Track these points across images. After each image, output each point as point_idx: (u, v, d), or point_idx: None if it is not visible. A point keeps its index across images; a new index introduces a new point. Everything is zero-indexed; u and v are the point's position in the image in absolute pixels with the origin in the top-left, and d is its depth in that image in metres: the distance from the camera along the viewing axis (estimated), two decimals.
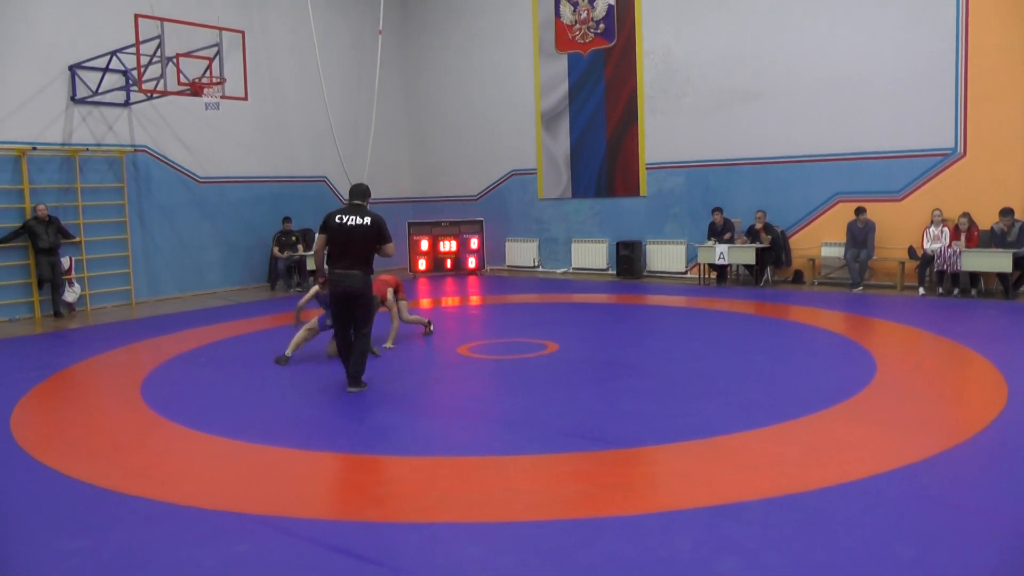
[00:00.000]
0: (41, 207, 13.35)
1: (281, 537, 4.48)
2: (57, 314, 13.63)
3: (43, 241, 13.27)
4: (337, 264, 7.54)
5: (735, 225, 14.98)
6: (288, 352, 9.22)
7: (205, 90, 13.24)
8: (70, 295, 13.93)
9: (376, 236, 7.57)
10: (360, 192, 7.78)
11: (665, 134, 16.24)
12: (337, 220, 7.53)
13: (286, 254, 16.30)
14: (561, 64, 17.62)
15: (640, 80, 16.43)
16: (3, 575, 4.19)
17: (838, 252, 14.15)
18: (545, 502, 4.81)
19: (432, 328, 10.69)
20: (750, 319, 11.35)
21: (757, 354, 8.94)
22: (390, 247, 7.69)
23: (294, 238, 16.56)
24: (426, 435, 6.37)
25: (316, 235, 7.66)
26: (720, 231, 14.94)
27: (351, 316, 7.65)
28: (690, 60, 15.75)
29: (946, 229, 12.81)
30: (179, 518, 4.83)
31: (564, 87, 17.61)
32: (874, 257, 13.61)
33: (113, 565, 4.26)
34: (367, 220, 7.53)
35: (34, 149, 13.62)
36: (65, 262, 13.83)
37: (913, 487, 4.85)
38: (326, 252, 7.65)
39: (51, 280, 13.52)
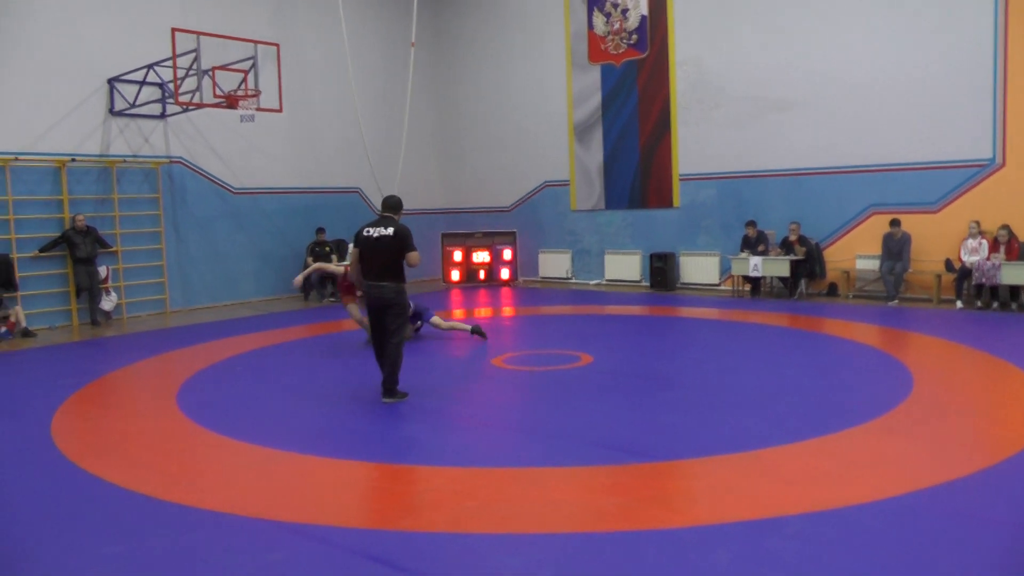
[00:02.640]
0: (79, 217, 13.57)
1: (317, 546, 4.48)
2: (94, 322, 13.81)
3: (81, 251, 13.48)
4: (369, 276, 7.68)
5: (769, 237, 14.87)
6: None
7: (240, 102, 13.38)
8: (107, 304, 14.14)
9: (400, 247, 7.61)
10: (391, 204, 7.86)
11: (698, 145, 16.19)
12: (365, 233, 7.68)
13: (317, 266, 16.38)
14: (594, 75, 17.62)
15: (672, 91, 16.40)
16: None
17: (873, 264, 13.99)
18: (582, 514, 4.78)
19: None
20: (785, 332, 11.24)
21: (792, 367, 8.85)
22: (413, 257, 7.70)
23: (327, 248, 16.68)
24: (461, 446, 6.36)
25: (350, 248, 7.74)
26: (754, 243, 14.83)
27: (384, 325, 7.75)
28: (722, 70, 15.69)
29: (984, 241, 12.62)
30: (215, 525, 4.85)
31: (597, 98, 17.61)
32: (910, 270, 13.44)
33: (151, 571, 4.28)
34: (390, 231, 7.61)
35: (73, 160, 13.85)
36: (102, 271, 14.05)
37: (953, 505, 4.75)
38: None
39: (89, 289, 13.73)
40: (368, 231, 7.67)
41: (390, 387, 7.74)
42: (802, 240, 14.37)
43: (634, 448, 5.98)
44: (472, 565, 4.19)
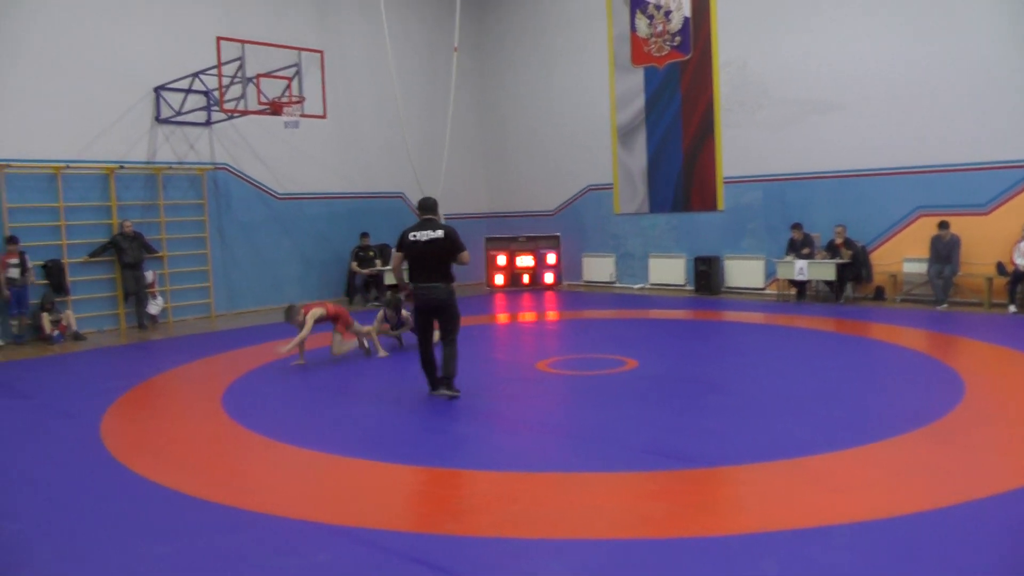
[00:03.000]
0: (127, 223, 13.82)
1: (361, 548, 4.49)
2: (141, 326, 14.04)
3: (128, 256, 13.72)
4: (419, 279, 7.74)
5: (814, 240, 14.67)
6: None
7: (284, 109, 13.51)
8: (154, 308, 14.37)
9: (451, 247, 7.74)
10: (430, 206, 7.95)
11: (741, 147, 16.02)
12: (411, 237, 7.71)
13: (367, 270, 16.56)
14: (637, 78, 17.54)
15: (716, 93, 16.26)
16: None
17: (921, 268, 13.72)
18: (627, 520, 4.74)
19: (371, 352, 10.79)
20: (831, 336, 11.07)
21: (839, 372, 8.70)
22: (465, 255, 7.86)
23: (372, 253, 16.81)
24: (506, 450, 6.34)
25: (392, 252, 7.80)
26: (799, 247, 14.63)
27: (432, 326, 7.91)
28: (766, 71, 15.51)
29: None
30: (261, 526, 4.89)
31: (640, 101, 17.51)
32: (959, 273, 13.16)
33: (198, 571, 4.32)
34: (440, 233, 7.71)
35: (121, 168, 14.10)
36: (149, 276, 14.29)
37: (1006, 517, 4.61)
38: (405, 268, 7.92)
39: (136, 293, 13.97)
40: (415, 235, 7.71)
41: (451, 380, 7.86)
42: (848, 243, 14.15)
43: (679, 453, 5.91)
44: (516, 570, 4.17)
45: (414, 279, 7.77)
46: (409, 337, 11.20)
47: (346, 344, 10.56)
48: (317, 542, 4.60)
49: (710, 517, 4.77)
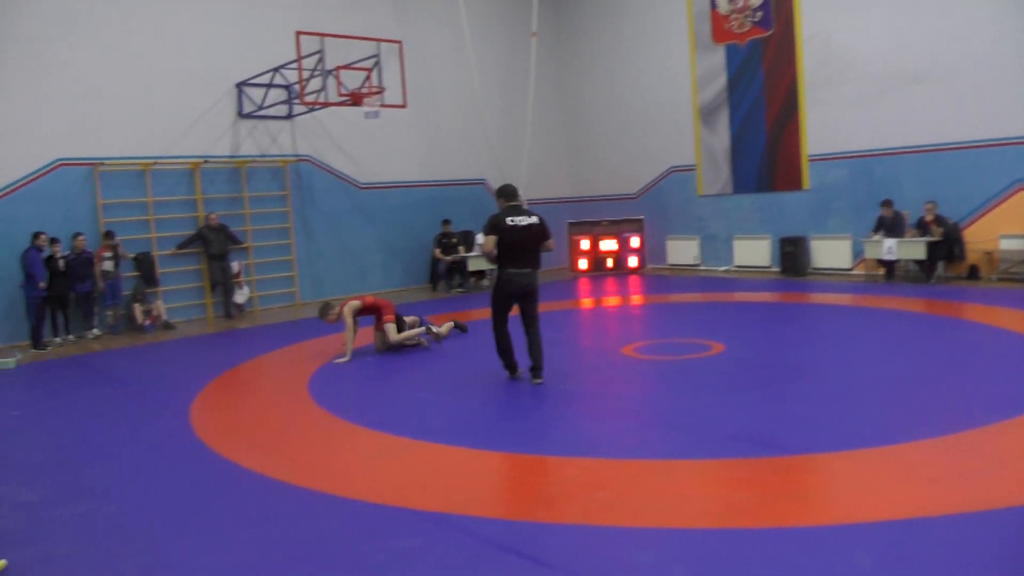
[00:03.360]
0: (212, 215, 14.21)
1: (450, 534, 4.51)
2: (228, 315, 14.43)
3: (214, 247, 14.10)
4: (512, 264, 7.76)
5: (904, 218, 14.16)
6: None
7: (365, 100, 13.62)
8: (240, 297, 14.74)
9: (544, 233, 7.87)
10: (514, 192, 8.02)
11: (827, 124, 15.54)
12: (509, 222, 7.71)
13: (450, 257, 16.66)
14: (718, 56, 17.18)
15: (800, 68, 15.80)
16: (184, 561, 4.41)
17: (1019, 245, 13.12)
18: (715, 509, 4.65)
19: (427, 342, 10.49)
20: (922, 318, 10.71)
21: (931, 356, 8.38)
22: (552, 242, 8.00)
23: (454, 240, 16.91)
24: (593, 437, 6.29)
25: (484, 236, 7.78)
26: (889, 225, 14.14)
27: (511, 312, 7.96)
28: (851, 44, 14.99)
29: None
30: (348, 512, 4.96)
31: (722, 79, 17.16)
32: None
33: (284, 555, 4.40)
34: (535, 219, 7.82)
35: (206, 162, 14.48)
36: (235, 266, 14.65)
37: None
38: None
39: (222, 283, 14.37)
40: (513, 220, 7.73)
41: (540, 369, 7.91)
42: (939, 220, 13.60)
43: (767, 441, 5.78)
44: (603, 558, 4.13)
45: (506, 265, 7.76)
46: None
47: (397, 337, 10.10)
48: (405, 528, 4.64)
49: (800, 507, 4.65)
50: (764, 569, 3.90)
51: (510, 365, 8.10)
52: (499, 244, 7.71)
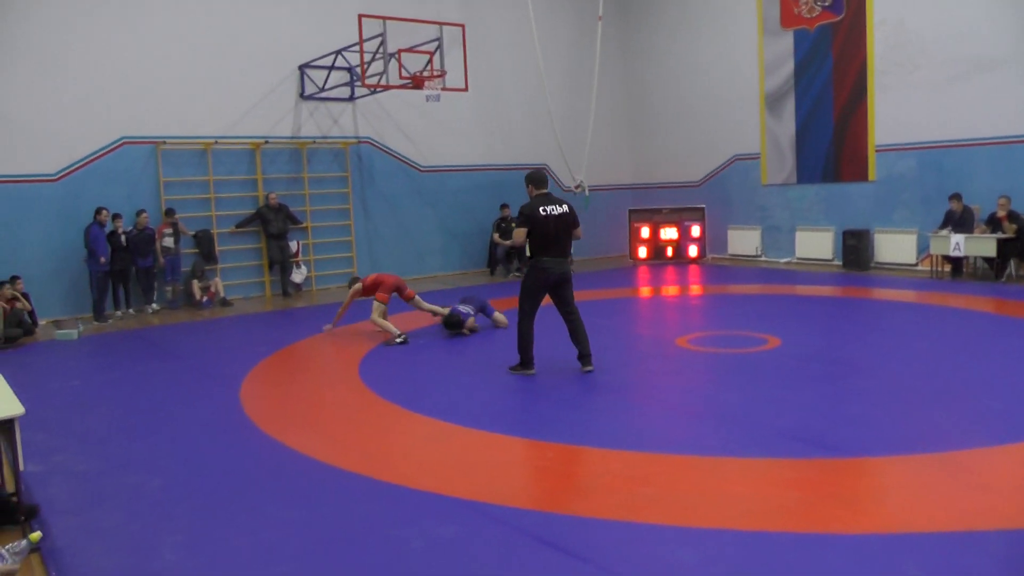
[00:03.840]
0: (272, 195, 14.39)
1: (488, 523, 4.48)
2: (285, 293, 14.62)
3: (273, 227, 14.27)
4: (547, 252, 7.69)
5: (974, 213, 13.67)
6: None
7: (426, 83, 13.60)
8: (297, 276, 14.93)
9: (574, 221, 7.84)
10: (544, 179, 7.99)
11: (896, 112, 15.06)
12: (543, 212, 7.65)
13: (508, 242, 16.60)
14: (786, 41, 16.76)
15: (870, 54, 15.32)
16: (224, 538, 4.45)
17: None
18: (762, 509, 4.52)
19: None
20: (989, 318, 10.33)
21: (997, 359, 8.02)
22: (580, 230, 7.99)
23: (513, 224, 16.81)
24: (640, 429, 6.20)
25: (516, 227, 7.74)
26: (958, 219, 13.66)
27: (558, 300, 7.88)
28: (925, 28, 14.45)
29: None
30: (390, 496, 4.95)
31: (790, 66, 16.74)
32: None
33: (325, 538, 4.41)
34: (565, 208, 7.78)
35: (266, 143, 14.64)
36: (293, 246, 14.85)
37: None
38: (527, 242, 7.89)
39: (280, 262, 14.55)
40: (546, 209, 7.65)
41: (589, 356, 7.87)
42: (1012, 216, 13.07)
43: (820, 441, 5.61)
44: (642, 556, 4.05)
45: (541, 254, 7.70)
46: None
47: (376, 318, 10.14)
48: (443, 515, 4.61)
49: (848, 512, 4.47)
50: (810, 575, 3.78)
51: (530, 361, 7.93)
52: (533, 234, 7.67)
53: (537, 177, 7.92)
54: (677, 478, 5.07)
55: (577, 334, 7.86)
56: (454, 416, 6.59)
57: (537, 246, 7.71)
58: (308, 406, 7.24)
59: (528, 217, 7.66)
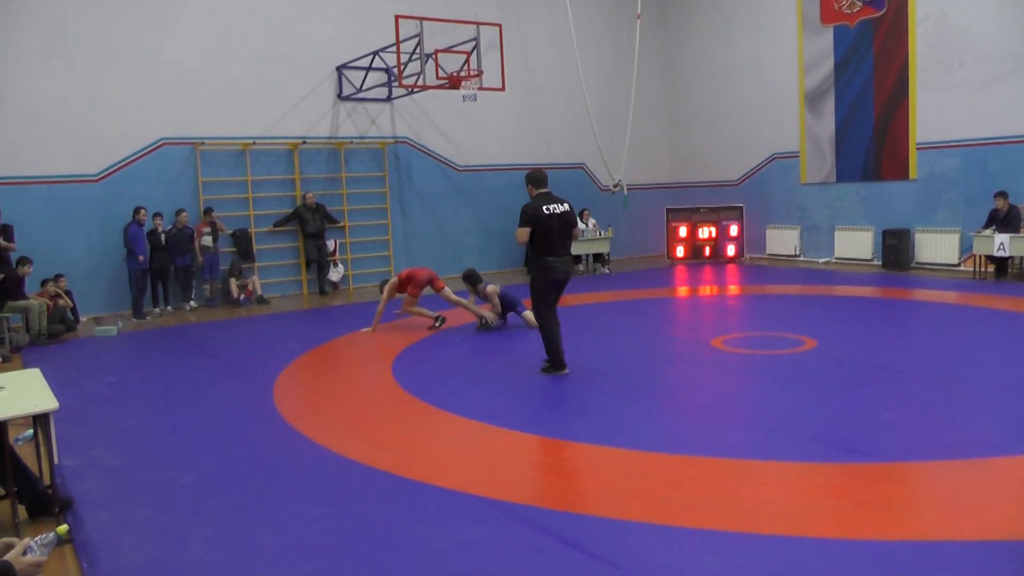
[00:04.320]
0: (310, 195, 14.52)
1: (514, 524, 4.46)
2: (322, 292, 14.74)
3: (311, 226, 14.40)
4: (552, 252, 7.73)
5: (1020, 212, 13.35)
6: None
7: (463, 83, 13.61)
8: (334, 275, 15.06)
9: (574, 220, 7.96)
10: (544, 179, 8.00)
11: (938, 110, 14.78)
12: (546, 211, 7.67)
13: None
14: (826, 39, 16.53)
15: (912, 51, 15.06)
16: (253, 534, 4.48)
17: None
18: (793, 516, 4.45)
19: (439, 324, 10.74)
20: None
21: None
22: (578, 229, 8.09)
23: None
24: (672, 431, 6.14)
25: (518, 227, 7.73)
26: (1003, 219, 13.35)
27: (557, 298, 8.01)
28: (968, 24, 14.17)
29: None
30: (417, 495, 4.96)
31: (829, 63, 16.51)
32: None
33: (350, 536, 4.43)
34: (566, 206, 7.84)
35: (304, 143, 14.77)
36: (330, 245, 14.97)
37: None
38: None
39: (318, 261, 14.69)
40: (548, 208, 7.68)
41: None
42: None
43: (855, 446, 5.50)
44: (669, 560, 4.01)
45: (545, 253, 7.69)
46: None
47: (409, 309, 10.74)
48: (470, 515, 4.60)
49: (882, 520, 4.38)
50: None
51: (561, 361, 7.88)
52: (536, 234, 7.65)
53: (537, 177, 7.93)
54: (707, 482, 5.01)
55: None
56: (485, 416, 6.58)
57: (541, 245, 7.71)
58: (340, 404, 7.28)
59: (531, 217, 7.64)
